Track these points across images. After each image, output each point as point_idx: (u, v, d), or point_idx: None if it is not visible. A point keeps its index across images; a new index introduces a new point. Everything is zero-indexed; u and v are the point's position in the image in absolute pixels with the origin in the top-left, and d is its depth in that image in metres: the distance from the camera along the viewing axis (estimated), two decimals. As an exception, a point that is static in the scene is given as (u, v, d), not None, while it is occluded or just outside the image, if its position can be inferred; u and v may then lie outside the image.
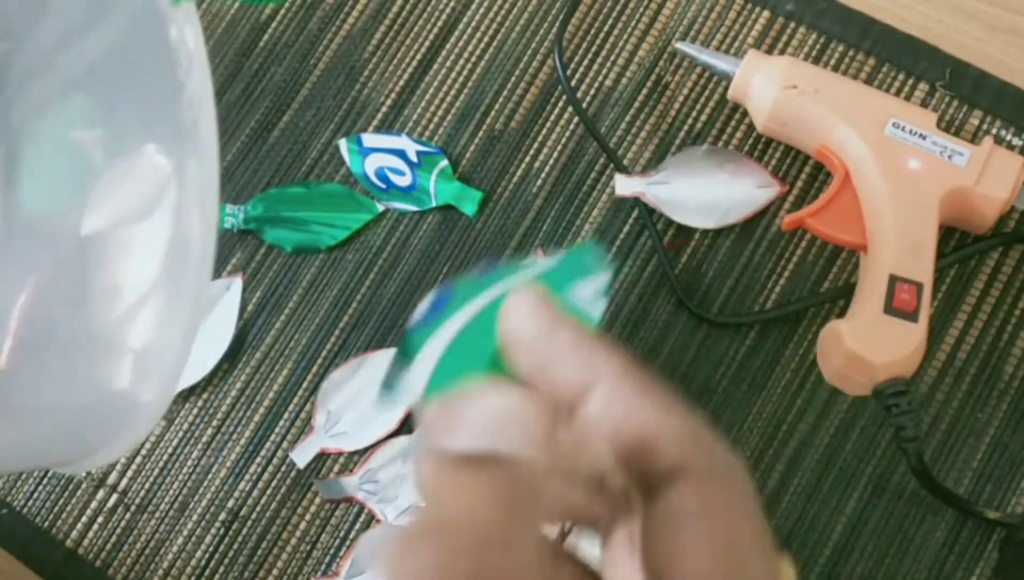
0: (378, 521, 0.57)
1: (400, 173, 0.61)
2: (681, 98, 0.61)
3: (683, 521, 0.28)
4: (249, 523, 0.58)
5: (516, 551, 0.26)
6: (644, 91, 0.61)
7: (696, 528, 0.28)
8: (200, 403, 0.60)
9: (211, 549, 0.58)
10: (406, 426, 0.57)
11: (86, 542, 0.59)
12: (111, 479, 0.59)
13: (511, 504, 0.26)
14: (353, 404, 0.58)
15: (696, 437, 0.29)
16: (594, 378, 0.30)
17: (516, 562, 0.26)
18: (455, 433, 0.29)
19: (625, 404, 0.29)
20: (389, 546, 0.25)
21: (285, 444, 0.59)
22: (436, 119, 0.62)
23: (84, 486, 0.59)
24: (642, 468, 0.29)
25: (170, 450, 0.59)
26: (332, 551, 0.57)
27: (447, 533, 0.25)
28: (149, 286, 0.35)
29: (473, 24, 0.63)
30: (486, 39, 0.63)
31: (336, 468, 0.58)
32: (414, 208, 0.61)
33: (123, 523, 0.59)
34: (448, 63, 0.63)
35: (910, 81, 0.60)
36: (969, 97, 0.59)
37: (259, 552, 0.57)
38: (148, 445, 0.60)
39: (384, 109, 0.63)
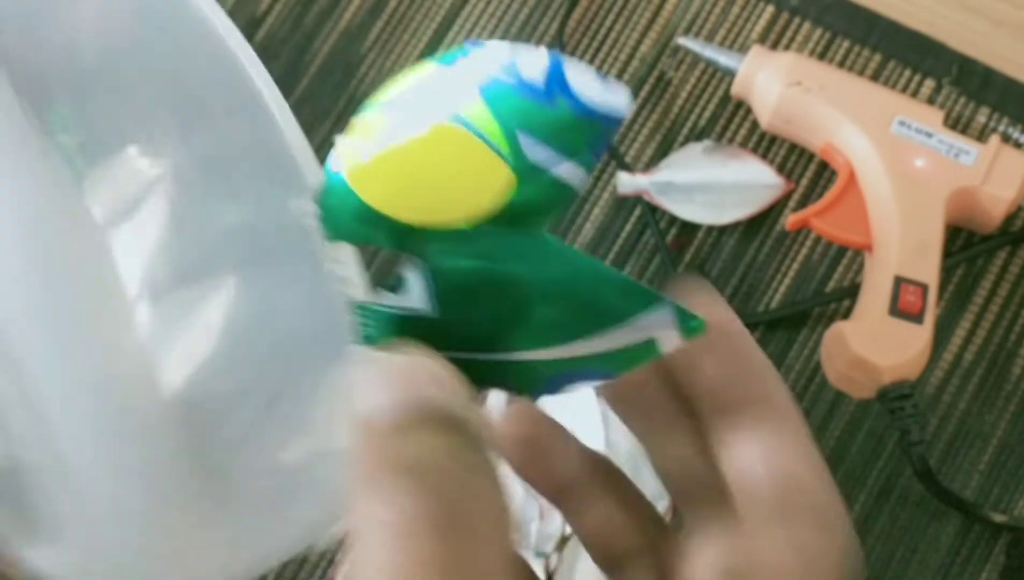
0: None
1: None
2: (684, 95, 0.60)
3: (746, 446, 0.27)
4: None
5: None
6: (646, 87, 0.60)
7: (754, 455, 0.27)
8: None
9: None
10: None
11: None
12: None
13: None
14: None
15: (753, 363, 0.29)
16: None
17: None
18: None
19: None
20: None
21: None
22: (435, 116, 0.61)
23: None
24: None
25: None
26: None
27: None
28: None
29: (472, 19, 0.62)
30: (485, 34, 0.62)
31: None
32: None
33: None
34: (447, 59, 0.62)
35: (916, 78, 0.59)
36: (976, 94, 0.58)
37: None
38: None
39: (382, 105, 0.62)
